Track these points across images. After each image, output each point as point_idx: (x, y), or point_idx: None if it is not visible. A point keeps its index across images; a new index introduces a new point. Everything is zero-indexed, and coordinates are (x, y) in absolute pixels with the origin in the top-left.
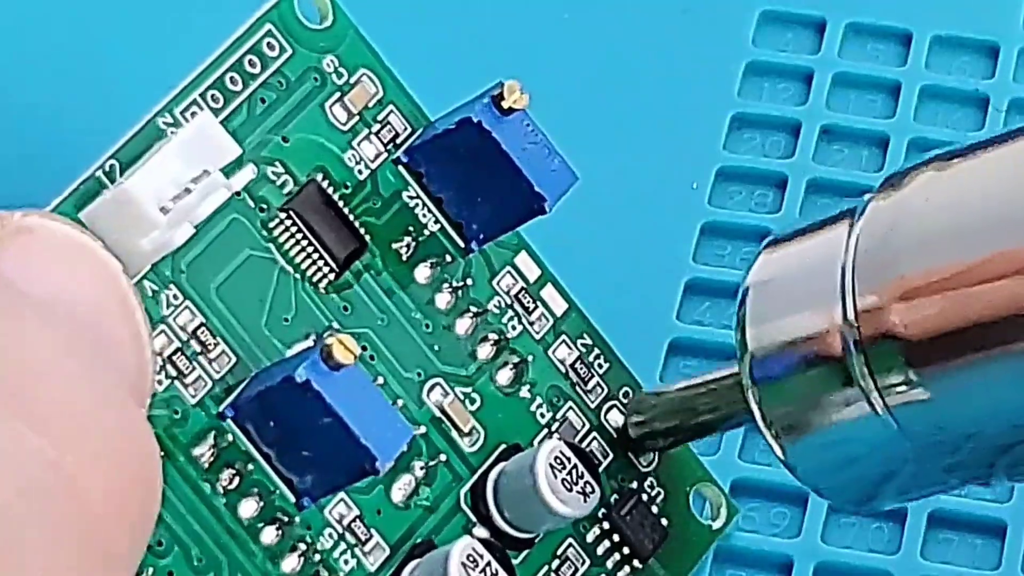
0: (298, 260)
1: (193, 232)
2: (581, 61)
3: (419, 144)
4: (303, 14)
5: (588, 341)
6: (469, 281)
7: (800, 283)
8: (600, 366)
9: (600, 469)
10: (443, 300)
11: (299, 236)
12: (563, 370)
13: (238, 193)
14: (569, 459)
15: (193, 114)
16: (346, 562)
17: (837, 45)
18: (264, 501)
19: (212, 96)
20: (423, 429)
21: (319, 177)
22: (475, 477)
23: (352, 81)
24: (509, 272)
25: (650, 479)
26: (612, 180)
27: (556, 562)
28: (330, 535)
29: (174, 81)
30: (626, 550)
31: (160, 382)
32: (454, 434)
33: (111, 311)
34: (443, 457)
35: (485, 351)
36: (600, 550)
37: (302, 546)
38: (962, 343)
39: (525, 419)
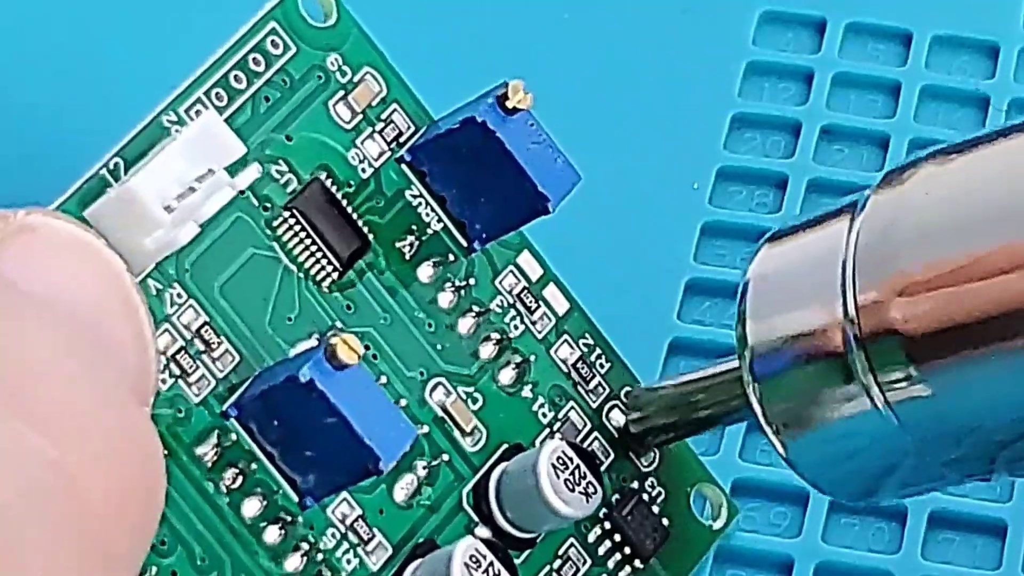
0: (301, 259)
1: (198, 231)
2: (581, 61)
3: (422, 143)
4: (307, 12)
5: (590, 341)
6: (472, 280)
7: (800, 278)
8: (602, 366)
9: (601, 469)
10: (446, 299)
11: (303, 235)
12: (565, 370)
13: (242, 192)
14: (572, 460)
15: (198, 112)
16: (348, 562)
17: (837, 45)
18: (267, 500)
19: (216, 94)
20: (426, 429)
21: (323, 176)
22: (477, 477)
23: (356, 79)
24: (511, 271)
25: (651, 479)
26: (612, 180)
27: (558, 562)
28: (333, 535)
29: (174, 81)
30: (627, 550)
31: (164, 381)
32: (456, 434)
33: (113, 310)
34: (445, 457)
35: (487, 350)
36: (601, 550)
37: (305, 546)
38: (963, 338)
39: (527, 419)
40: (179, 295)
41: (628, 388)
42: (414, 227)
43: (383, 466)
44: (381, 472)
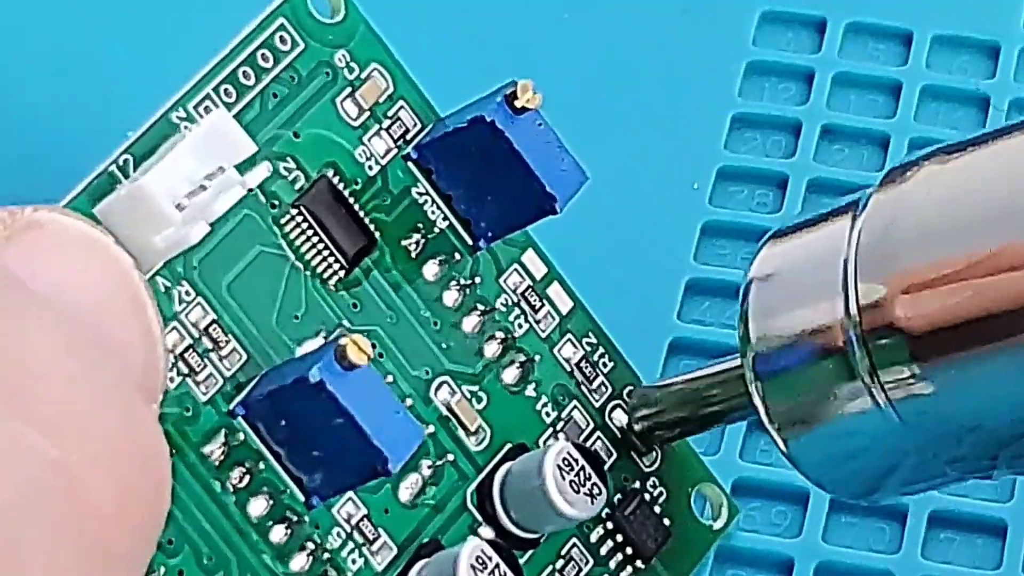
0: (308, 257)
1: (208, 230)
2: (581, 61)
3: (429, 141)
4: (315, 8)
5: (593, 340)
6: (477, 279)
7: (802, 277)
8: (605, 365)
9: (605, 468)
10: (451, 298)
11: (309, 232)
12: (568, 369)
13: (250, 189)
14: (577, 461)
15: (207, 109)
16: (354, 561)
17: (837, 45)
18: (274, 500)
19: (225, 91)
20: (431, 428)
21: (330, 173)
22: (481, 476)
23: (363, 76)
24: (516, 270)
25: (652, 479)
26: (613, 180)
27: (560, 562)
28: (338, 534)
29: (175, 81)
30: (629, 550)
31: (171, 379)
32: (461, 433)
33: (120, 308)
34: (450, 456)
35: (492, 349)
36: (604, 550)
37: (311, 545)
38: (964, 336)
39: (531, 418)
40: (187, 292)
41: (631, 388)
42: (420, 225)
43: (392, 467)
44: (390, 473)
